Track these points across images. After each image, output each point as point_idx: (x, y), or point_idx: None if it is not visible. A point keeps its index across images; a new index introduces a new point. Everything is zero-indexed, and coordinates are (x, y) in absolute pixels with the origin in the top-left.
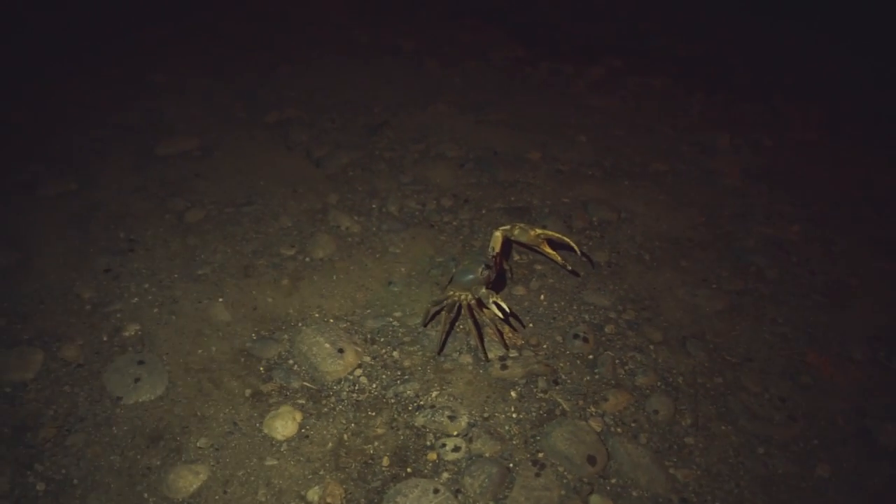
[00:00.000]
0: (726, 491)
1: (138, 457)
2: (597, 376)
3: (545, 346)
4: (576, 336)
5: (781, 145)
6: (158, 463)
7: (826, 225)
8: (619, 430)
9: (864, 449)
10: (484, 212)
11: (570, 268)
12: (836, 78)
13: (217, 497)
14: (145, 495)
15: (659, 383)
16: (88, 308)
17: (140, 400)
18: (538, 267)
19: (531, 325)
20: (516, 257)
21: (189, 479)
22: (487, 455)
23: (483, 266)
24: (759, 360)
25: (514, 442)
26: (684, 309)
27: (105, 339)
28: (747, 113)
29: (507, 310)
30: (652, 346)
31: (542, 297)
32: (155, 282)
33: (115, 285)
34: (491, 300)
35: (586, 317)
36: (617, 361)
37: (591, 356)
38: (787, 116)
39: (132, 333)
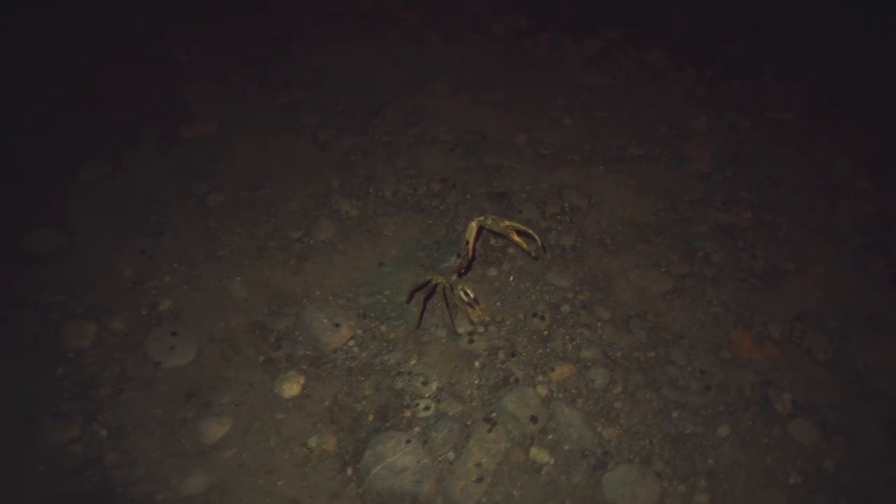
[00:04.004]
0: (641, 446)
1: (176, 410)
2: (548, 350)
3: (508, 323)
4: (534, 314)
5: (757, 126)
6: (192, 415)
7: (778, 211)
8: (560, 395)
9: (762, 414)
10: (468, 196)
11: (533, 254)
12: (830, 56)
13: (239, 443)
14: (183, 440)
15: (600, 356)
16: (129, 285)
17: (175, 364)
18: (511, 251)
19: (499, 303)
20: (492, 241)
21: (216, 428)
22: (451, 414)
23: (455, 255)
24: (689, 338)
25: (474, 404)
26: (633, 290)
27: (144, 312)
28: (733, 90)
29: (472, 296)
30: (600, 324)
31: (511, 278)
32: (183, 262)
33: (150, 265)
34: (459, 287)
35: (547, 297)
36: (567, 337)
37: (545, 332)
38: (771, 95)
39: (166, 308)
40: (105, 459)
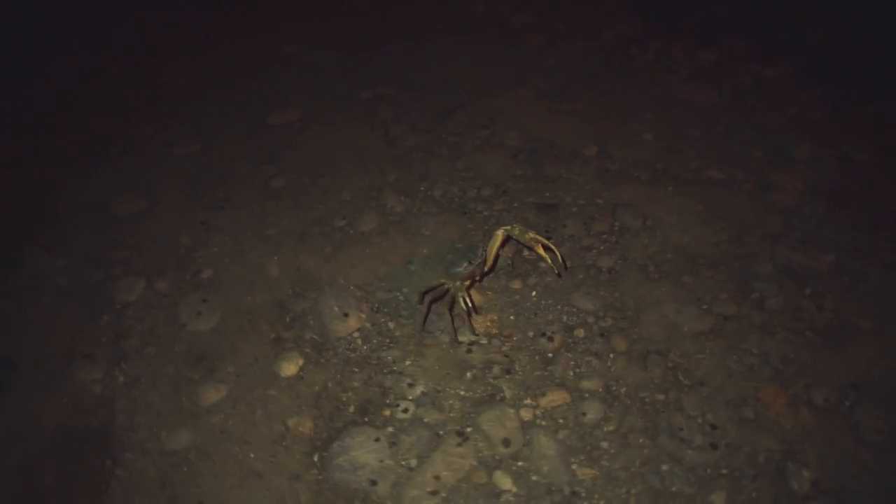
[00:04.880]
0: (616, 495)
1: (186, 370)
2: (547, 373)
3: (515, 339)
4: (544, 334)
5: (876, 159)
6: (197, 377)
7: (869, 258)
8: (544, 422)
9: (770, 488)
10: (516, 205)
11: (556, 271)
12: None
13: (227, 410)
14: (182, 399)
15: (601, 390)
16: (183, 251)
17: (198, 329)
18: (542, 265)
19: (512, 317)
20: (525, 254)
21: (212, 394)
22: (426, 420)
23: (467, 262)
24: (710, 386)
25: (452, 415)
26: (663, 325)
27: (187, 277)
28: (861, 116)
29: (471, 304)
30: (612, 355)
31: (533, 293)
32: (233, 237)
33: (205, 236)
34: (460, 294)
35: (565, 318)
36: (572, 363)
37: (550, 354)
38: None
39: (206, 276)
40: (116, 403)
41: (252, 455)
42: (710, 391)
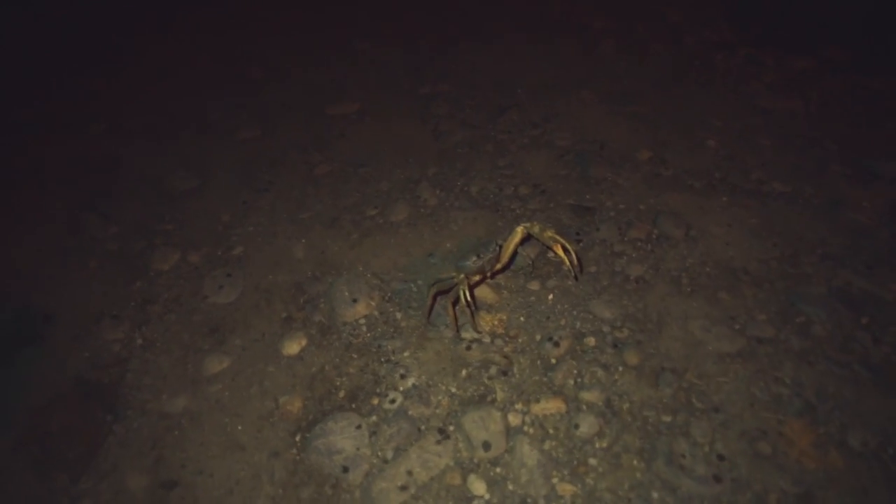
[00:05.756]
0: None
1: (198, 339)
2: (546, 379)
3: (520, 341)
4: (551, 339)
5: None
6: (207, 347)
7: None
8: (531, 430)
9: None
10: (552, 205)
11: (573, 273)
12: None
13: (226, 381)
14: (188, 366)
15: (601, 403)
16: (220, 228)
17: (217, 301)
18: (565, 268)
19: (522, 318)
20: (550, 254)
21: (216, 365)
22: (410, 413)
23: (475, 256)
24: (727, 413)
25: (437, 411)
26: (685, 342)
27: (220, 253)
28: None
29: (469, 299)
30: (621, 368)
31: (550, 296)
32: (268, 218)
33: (243, 215)
34: (461, 288)
35: (578, 324)
36: (575, 372)
37: (553, 361)
38: None
39: (237, 253)
40: (129, 363)
41: (240, 427)
42: (724, 418)
